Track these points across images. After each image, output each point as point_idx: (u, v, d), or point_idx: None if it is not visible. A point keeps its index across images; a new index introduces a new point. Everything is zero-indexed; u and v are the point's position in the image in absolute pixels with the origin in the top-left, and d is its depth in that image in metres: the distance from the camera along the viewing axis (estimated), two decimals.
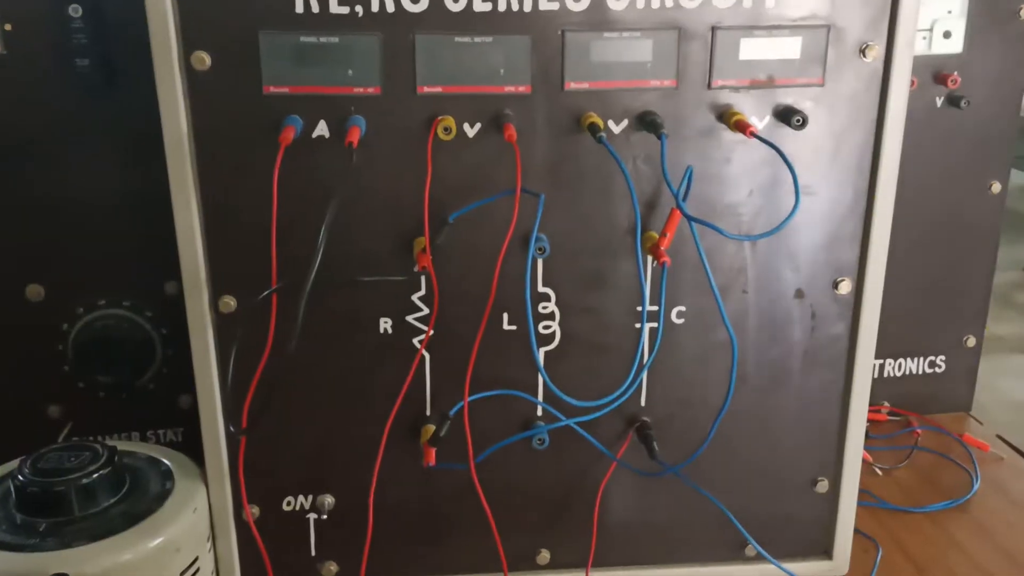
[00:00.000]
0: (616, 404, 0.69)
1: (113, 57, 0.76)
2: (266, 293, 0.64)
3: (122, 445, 0.74)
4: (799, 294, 0.73)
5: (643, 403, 0.75)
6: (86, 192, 0.80)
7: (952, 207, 0.98)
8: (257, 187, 0.64)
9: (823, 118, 0.69)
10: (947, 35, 0.92)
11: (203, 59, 0.64)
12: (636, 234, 0.68)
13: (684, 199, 0.67)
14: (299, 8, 0.63)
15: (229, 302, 0.69)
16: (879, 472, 0.94)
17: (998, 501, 0.90)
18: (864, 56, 0.67)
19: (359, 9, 0.64)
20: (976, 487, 0.91)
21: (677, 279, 0.71)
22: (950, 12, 0.91)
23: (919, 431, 1.00)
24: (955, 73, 0.92)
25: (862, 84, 0.68)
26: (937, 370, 1.05)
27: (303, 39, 0.64)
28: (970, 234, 1.00)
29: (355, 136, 0.64)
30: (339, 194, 0.62)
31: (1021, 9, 0.92)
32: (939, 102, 0.94)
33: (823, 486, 0.78)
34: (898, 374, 1.04)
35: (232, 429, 0.69)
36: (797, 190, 0.61)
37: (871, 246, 0.72)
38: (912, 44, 0.67)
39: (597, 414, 0.70)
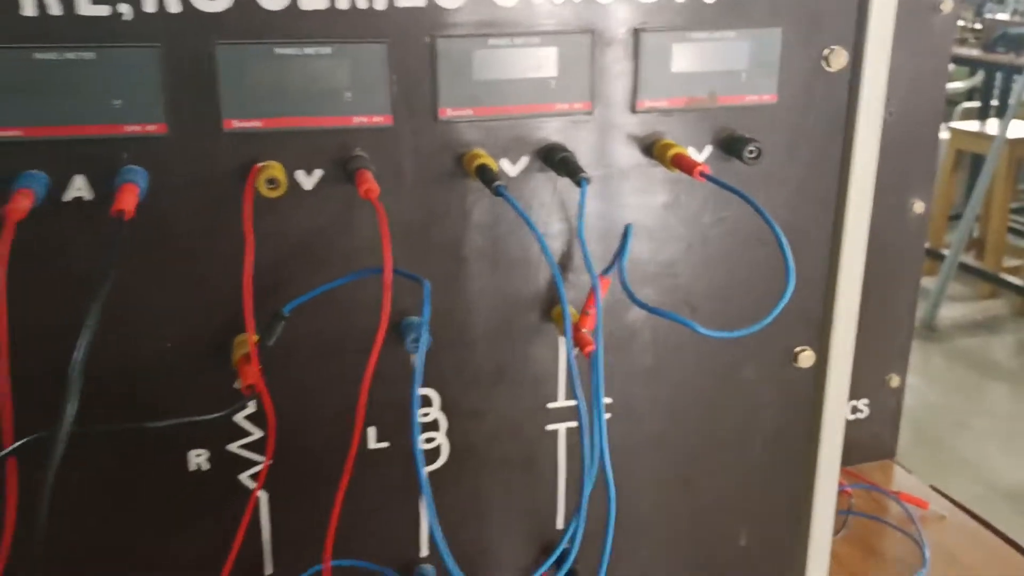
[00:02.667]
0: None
1: None
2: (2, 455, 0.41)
3: None
4: (748, 370, 0.57)
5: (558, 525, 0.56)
6: None
7: (870, 231, 0.85)
8: None
9: (778, 145, 0.52)
10: None
11: None
12: (562, 309, 0.48)
13: (614, 266, 0.48)
14: (29, 9, 0.41)
15: None
16: None
17: (955, 572, 0.78)
18: (828, 64, 0.51)
19: (125, 8, 0.42)
20: (927, 558, 0.79)
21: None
22: None
23: (850, 490, 0.86)
24: None
25: (824, 100, 0.52)
26: (860, 415, 0.92)
27: (38, 56, 0.42)
28: (890, 261, 0.87)
29: (129, 199, 0.42)
30: (103, 289, 0.40)
31: (942, 2, 0.79)
32: None
33: None
34: None
35: None
36: (788, 260, 0.43)
37: (837, 305, 0.56)
38: (888, 46, 0.51)
39: None
